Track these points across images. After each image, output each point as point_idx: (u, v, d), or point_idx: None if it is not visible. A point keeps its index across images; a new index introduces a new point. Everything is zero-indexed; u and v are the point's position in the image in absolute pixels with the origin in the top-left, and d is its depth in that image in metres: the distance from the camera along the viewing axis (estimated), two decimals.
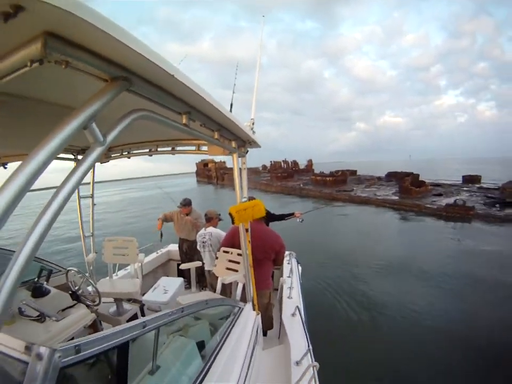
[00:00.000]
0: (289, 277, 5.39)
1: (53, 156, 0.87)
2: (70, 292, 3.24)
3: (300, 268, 6.24)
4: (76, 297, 3.21)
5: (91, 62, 0.99)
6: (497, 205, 24.00)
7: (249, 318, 3.25)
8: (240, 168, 3.30)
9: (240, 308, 3.27)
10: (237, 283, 3.96)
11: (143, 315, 4.06)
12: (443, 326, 7.27)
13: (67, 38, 0.88)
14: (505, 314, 7.75)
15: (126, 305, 3.80)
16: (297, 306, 4.11)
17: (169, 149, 3.60)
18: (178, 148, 3.57)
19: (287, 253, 6.26)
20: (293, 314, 4.04)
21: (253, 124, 3.40)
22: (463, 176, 43.45)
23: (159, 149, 3.63)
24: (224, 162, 68.98)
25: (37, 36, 0.84)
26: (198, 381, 1.89)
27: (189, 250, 6.68)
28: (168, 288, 5.26)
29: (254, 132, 3.30)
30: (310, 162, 70.15)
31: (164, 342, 1.98)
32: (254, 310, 3.48)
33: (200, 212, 6.87)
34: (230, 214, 3.03)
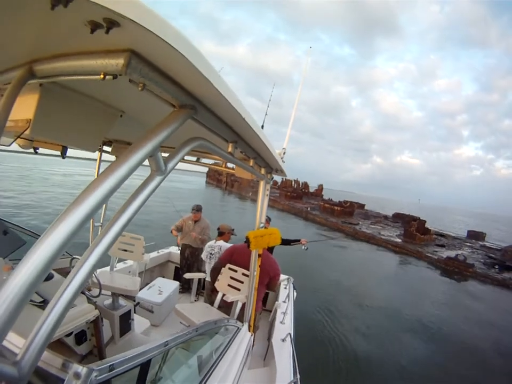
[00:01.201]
0: (284, 302, 5.39)
1: (121, 182, 0.93)
2: None
3: (295, 293, 6.23)
4: None
5: (165, 87, 1.03)
6: (497, 267, 23.79)
7: (245, 338, 3.29)
8: (262, 195, 3.36)
9: (238, 328, 3.31)
10: (237, 302, 3.97)
11: (134, 312, 4.08)
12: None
13: (148, 60, 0.91)
14: None
15: (121, 301, 3.81)
16: (290, 334, 4.12)
17: (194, 159, 3.59)
18: (203, 161, 3.58)
19: (285, 277, 6.27)
20: (283, 340, 4.05)
21: (283, 153, 3.44)
22: (468, 231, 43.45)
23: (185, 158, 3.61)
24: None
25: (122, 52, 0.87)
26: None
27: (191, 257, 6.71)
28: (163, 290, 5.30)
29: (283, 162, 3.34)
30: (320, 187, 70.13)
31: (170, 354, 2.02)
32: (249, 331, 3.53)
33: (208, 221, 7.01)
34: (247, 238, 3.10)
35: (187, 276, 5.40)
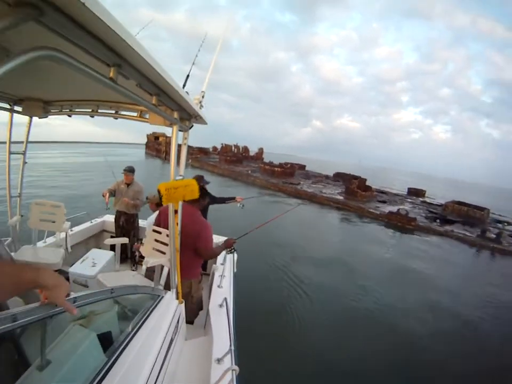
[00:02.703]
0: (222, 264, 5.20)
1: None
2: None
3: (235, 255, 6.00)
4: None
5: None
6: (438, 220, 25.50)
7: (170, 307, 2.99)
8: (179, 143, 2.99)
9: (160, 296, 2.98)
10: (162, 267, 3.70)
11: None
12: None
13: None
14: None
15: None
16: (226, 298, 3.87)
17: (112, 112, 3.28)
18: (121, 112, 3.26)
19: (222, 239, 6.02)
20: (221, 306, 3.82)
21: (202, 97, 3.12)
22: (409, 188, 45.48)
23: (99, 110, 3.30)
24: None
25: None
26: (98, 378, 1.60)
27: (126, 224, 6.43)
28: (97, 261, 4.91)
29: (202, 106, 3.03)
30: (260, 151, 70.86)
31: (61, 333, 1.73)
32: (177, 298, 3.23)
33: (142, 185, 6.69)
34: (158, 191, 2.61)
35: (106, 242, 5.10)
